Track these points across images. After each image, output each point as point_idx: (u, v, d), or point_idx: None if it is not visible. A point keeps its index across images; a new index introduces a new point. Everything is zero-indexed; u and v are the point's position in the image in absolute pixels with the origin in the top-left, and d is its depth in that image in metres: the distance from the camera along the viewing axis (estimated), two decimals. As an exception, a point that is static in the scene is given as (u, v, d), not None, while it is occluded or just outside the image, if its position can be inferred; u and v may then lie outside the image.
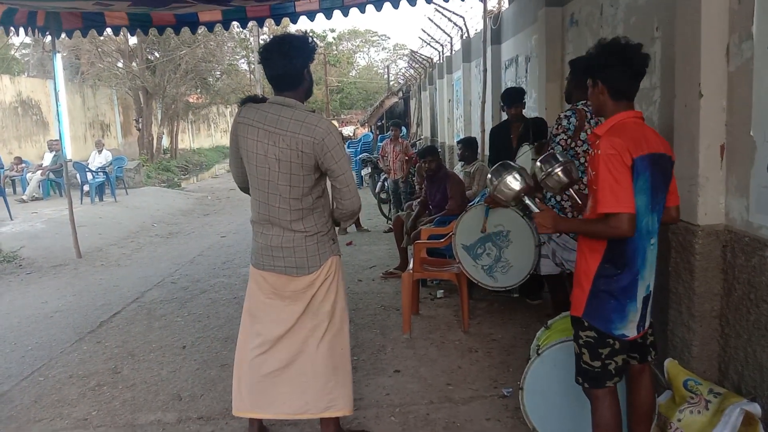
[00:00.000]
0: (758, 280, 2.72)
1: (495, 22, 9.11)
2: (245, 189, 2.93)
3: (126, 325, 5.16)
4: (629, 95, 2.37)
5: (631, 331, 2.35)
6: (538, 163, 2.68)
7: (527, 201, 2.55)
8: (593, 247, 2.34)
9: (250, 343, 2.90)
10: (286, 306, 2.83)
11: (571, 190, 2.68)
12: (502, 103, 5.50)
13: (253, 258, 2.90)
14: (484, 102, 8.75)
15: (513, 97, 5.35)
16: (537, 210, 2.48)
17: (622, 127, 2.29)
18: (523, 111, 5.42)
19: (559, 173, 2.62)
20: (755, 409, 2.63)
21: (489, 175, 2.71)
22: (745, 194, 2.84)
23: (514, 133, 5.33)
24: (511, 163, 2.69)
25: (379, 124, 24.15)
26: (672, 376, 2.94)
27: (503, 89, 9.09)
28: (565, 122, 3.66)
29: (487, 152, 9.09)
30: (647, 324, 2.43)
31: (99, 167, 13.68)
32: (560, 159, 2.66)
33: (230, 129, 2.82)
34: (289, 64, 2.65)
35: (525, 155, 4.71)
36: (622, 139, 2.22)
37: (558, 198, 3.81)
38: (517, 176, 2.58)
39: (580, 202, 2.55)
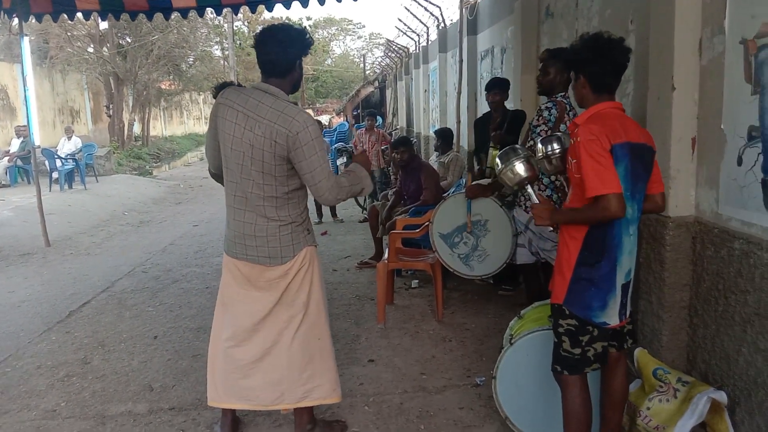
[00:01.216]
0: (726, 272, 2.77)
1: (471, 13, 9.11)
2: (217, 175, 2.89)
3: (96, 315, 5.08)
4: (611, 89, 2.41)
5: (612, 319, 2.38)
6: (540, 144, 2.68)
7: (529, 189, 2.57)
8: (573, 235, 2.37)
9: (224, 333, 2.87)
10: (260, 296, 2.80)
11: (561, 177, 2.69)
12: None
13: (225, 245, 2.86)
14: (459, 93, 8.77)
15: (489, 84, 5.41)
16: (536, 201, 2.50)
17: (600, 116, 2.34)
18: (505, 102, 5.40)
19: (558, 158, 2.62)
20: (721, 397, 2.69)
21: (497, 159, 2.70)
22: (715, 186, 2.89)
23: (493, 124, 5.35)
24: (520, 149, 2.69)
25: (355, 113, 24.08)
26: (642, 365, 3.00)
27: (479, 80, 9.17)
28: (546, 113, 3.69)
29: (462, 143, 9.15)
30: (628, 312, 2.47)
31: (68, 154, 13.42)
32: (564, 143, 2.63)
33: (211, 110, 2.78)
34: (283, 52, 2.63)
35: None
36: (599, 126, 2.26)
37: (552, 177, 3.82)
38: (525, 163, 2.59)
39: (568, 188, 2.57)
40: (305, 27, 2.88)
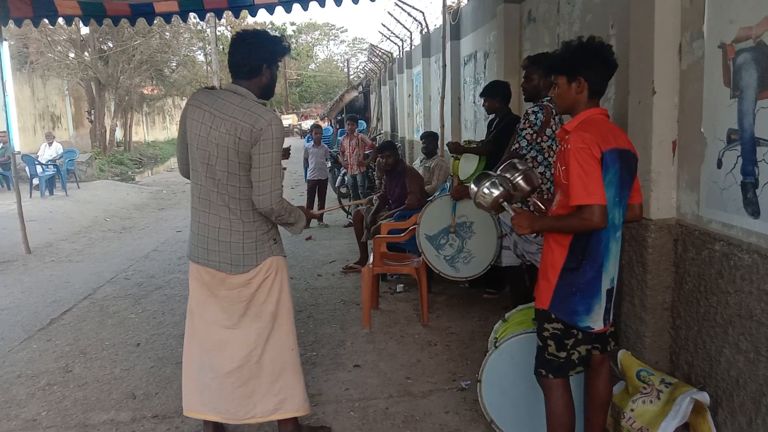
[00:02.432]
0: (707, 273, 2.80)
1: (454, 18, 9.16)
2: (188, 176, 2.86)
3: (77, 323, 5.02)
4: (602, 93, 2.44)
5: (597, 324, 2.39)
6: (489, 188, 2.70)
7: (506, 206, 2.59)
8: (560, 241, 2.38)
9: (194, 342, 2.84)
10: (225, 306, 2.75)
11: (533, 197, 2.71)
12: None
13: (188, 249, 2.81)
14: (443, 97, 8.78)
15: (483, 91, 5.06)
16: (512, 214, 2.52)
17: (590, 123, 2.35)
18: (500, 106, 5.15)
19: (521, 181, 2.64)
20: (704, 397, 2.71)
21: (471, 184, 2.73)
22: (696, 189, 2.92)
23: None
24: (491, 173, 2.73)
25: (339, 118, 24.05)
26: (625, 367, 3.01)
27: (462, 85, 9.21)
28: (532, 117, 3.72)
29: (446, 148, 9.17)
30: (611, 317, 2.48)
31: (49, 160, 13.28)
32: (519, 167, 2.67)
33: (181, 113, 2.76)
34: (249, 55, 2.63)
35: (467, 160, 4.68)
36: (590, 134, 2.27)
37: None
38: (496, 183, 2.61)
39: (543, 207, 2.59)
40: (283, 35, 2.88)
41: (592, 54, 2.37)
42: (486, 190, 2.62)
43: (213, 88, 2.77)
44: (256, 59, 2.65)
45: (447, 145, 4.93)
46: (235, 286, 2.73)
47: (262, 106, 2.61)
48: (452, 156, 4.80)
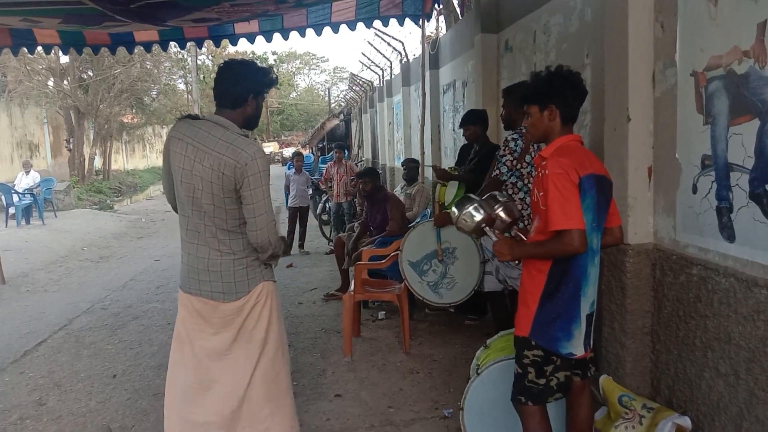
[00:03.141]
0: (686, 297, 2.83)
1: (433, 48, 9.28)
2: (176, 206, 2.84)
3: (52, 354, 4.91)
4: (575, 119, 2.46)
5: (578, 350, 2.38)
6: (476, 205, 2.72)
7: (488, 231, 2.60)
8: (539, 267, 2.38)
9: (180, 371, 2.79)
10: (215, 333, 2.72)
11: (515, 229, 2.72)
12: None
13: (180, 280, 2.79)
14: (423, 125, 8.86)
15: (463, 120, 5.08)
16: (494, 239, 2.52)
17: (566, 149, 2.37)
18: (481, 133, 5.01)
19: (501, 213, 2.66)
20: (686, 422, 2.72)
21: (453, 207, 2.74)
22: (672, 214, 2.96)
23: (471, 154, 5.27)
24: (472, 197, 2.74)
25: (320, 145, 24.13)
26: (607, 393, 3.01)
27: (442, 113, 9.30)
28: (512, 144, 3.77)
29: (427, 174, 9.22)
30: (591, 342, 2.47)
31: (26, 189, 13.11)
32: (500, 199, 2.68)
33: (164, 144, 2.74)
34: (235, 83, 2.62)
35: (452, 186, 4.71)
36: (568, 159, 2.29)
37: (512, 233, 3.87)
38: (479, 207, 2.62)
39: (525, 239, 2.60)
40: (271, 66, 2.89)
41: (561, 81, 2.40)
42: (467, 215, 2.63)
43: (195, 116, 2.75)
44: (243, 89, 2.63)
45: (434, 170, 4.93)
46: (227, 315, 2.70)
47: (244, 139, 2.58)
48: (439, 182, 4.83)
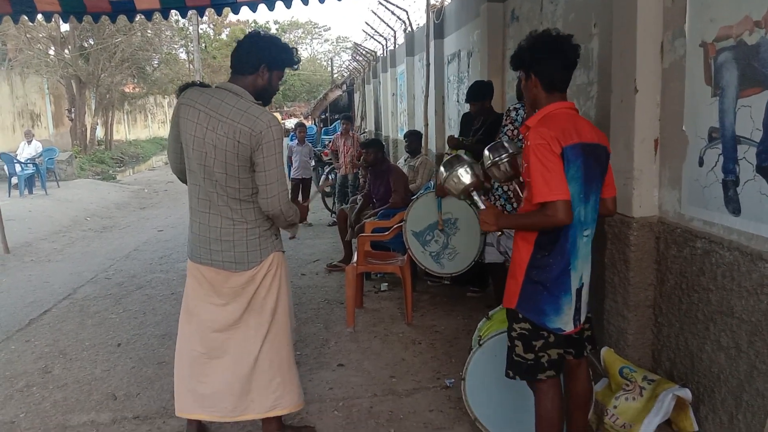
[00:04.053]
0: (689, 271, 2.82)
1: (438, 17, 9.15)
2: (183, 177, 2.82)
3: (57, 323, 4.95)
4: (561, 87, 2.38)
5: (567, 325, 2.34)
6: (486, 151, 2.67)
7: (475, 197, 2.55)
8: (525, 238, 2.34)
9: (189, 342, 2.81)
10: (226, 303, 2.74)
11: (515, 183, 2.68)
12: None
13: (189, 249, 2.79)
14: (427, 96, 8.79)
15: (468, 94, 5.13)
16: (482, 207, 2.48)
17: (551, 118, 2.30)
18: (489, 106, 5.11)
19: (506, 164, 2.61)
20: (686, 394, 2.74)
21: (441, 167, 2.68)
22: (678, 187, 2.94)
23: (476, 124, 5.27)
24: (464, 157, 2.67)
25: (322, 117, 23.96)
26: (608, 364, 3.03)
27: (446, 83, 9.21)
28: (513, 114, 3.76)
29: (431, 146, 9.18)
30: (583, 318, 2.43)
31: (28, 158, 13.10)
32: (509, 149, 2.61)
33: (173, 111, 2.72)
34: (249, 50, 2.61)
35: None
36: (549, 129, 2.22)
37: (504, 188, 3.89)
38: (468, 170, 2.54)
39: (522, 196, 2.56)
40: (295, 48, 2.84)
41: (541, 48, 2.34)
42: (456, 177, 2.55)
43: (204, 84, 2.73)
44: (255, 57, 2.61)
45: (448, 141, 4.94)
46: (238, 285, 2.71)
47: (257, 106, 2.57)
48: (447, 152, 4.84)
